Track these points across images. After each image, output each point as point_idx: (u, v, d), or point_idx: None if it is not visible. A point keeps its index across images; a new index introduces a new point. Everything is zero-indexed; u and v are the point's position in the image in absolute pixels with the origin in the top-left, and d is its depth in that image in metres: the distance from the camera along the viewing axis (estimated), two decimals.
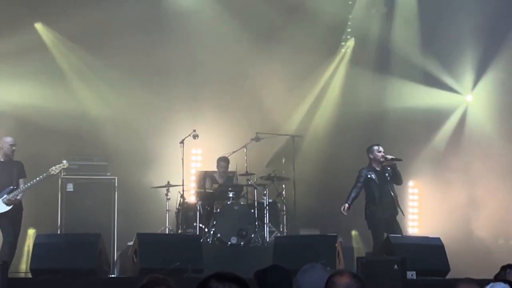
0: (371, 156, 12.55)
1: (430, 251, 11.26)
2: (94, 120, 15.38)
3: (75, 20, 14.99)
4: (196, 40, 15.75)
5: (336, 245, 11.49)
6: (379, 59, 16.49)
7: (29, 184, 12.03)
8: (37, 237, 11.27)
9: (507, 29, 15.72)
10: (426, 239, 12.09)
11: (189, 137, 13.90)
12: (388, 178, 12.43)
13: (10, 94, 14.88)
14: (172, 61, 15.65)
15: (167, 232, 13.67)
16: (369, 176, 12.40)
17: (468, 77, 16.40)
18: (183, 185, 13.77)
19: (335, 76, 16.80)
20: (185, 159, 14.00)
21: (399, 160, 12.54)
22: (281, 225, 14.23)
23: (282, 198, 14.48)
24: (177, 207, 13.90)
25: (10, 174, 12.13)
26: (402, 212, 12.59)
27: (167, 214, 13.89)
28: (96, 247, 10.86)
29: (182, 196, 13.85)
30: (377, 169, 12.49)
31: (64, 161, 12.54)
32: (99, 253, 10.87)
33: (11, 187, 11.98)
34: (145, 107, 15.65)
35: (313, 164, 15.65)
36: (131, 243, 11.83)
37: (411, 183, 16.50)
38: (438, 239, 11.55)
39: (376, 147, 12.55)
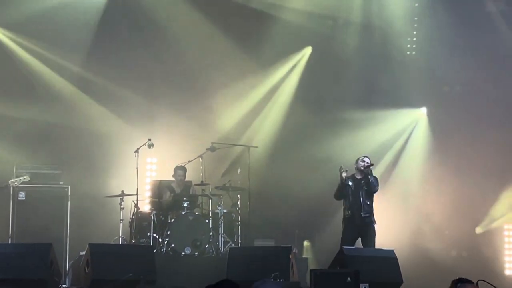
0: (355, 166, 12.92)
1: (383, 263, 11.29)
2: (47, 127, 15.16)
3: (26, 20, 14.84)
4: (153, 48, 15.66)
5: (290, 256, 11.47)
6: (332, 68, 16.49)
7: None
8: None
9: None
10: (380, 251, 12.13)
11: (144, 146, 13.79)
12: (364, 187, 12.74)
13: None
14: (128, 69, 15.53)
15: (120, 242, 13.52)
16: (347, 182, 12.70)
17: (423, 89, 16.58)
18: (137, 194, 13.64)
19: (289, 85, 16.76)
20: (140, 168, 13.88)
21: (371, 165, 12.81)
22: (235, 236, 14.19)
23: (237, 209, 14.45)
24: (131, 216, 13.77)
25: None
26: (373, 221, 12.70)
27: (121, 224, 13.75)
28: (47, 257, 10.70)
29: (136, 205, 13.73)
30: (357, 177, 12.81)
31: (26, 176, 12.42)
32: (50, 263, 10.71)
33: None
34: (100, 116, 15.49)
35: (268, 175, 15.63)
36: (83, 253, 11.68)
37: None
38: (392, 251, 11.58)
39: (361, 157, 12.93)
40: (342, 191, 12.72)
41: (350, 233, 12.63)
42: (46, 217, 13.75)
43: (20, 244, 12.47)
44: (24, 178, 12.58)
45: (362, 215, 12.63)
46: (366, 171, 12.75)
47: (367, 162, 12.82)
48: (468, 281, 7.14)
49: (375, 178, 12.89)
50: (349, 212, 12.70)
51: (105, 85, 15.54)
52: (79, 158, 14.96)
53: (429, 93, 16.48)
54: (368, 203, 12.73)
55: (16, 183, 12.62)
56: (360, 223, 12.64)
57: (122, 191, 13.82)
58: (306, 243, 15.60)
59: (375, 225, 12.70)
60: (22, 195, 13.74)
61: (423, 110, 16.87)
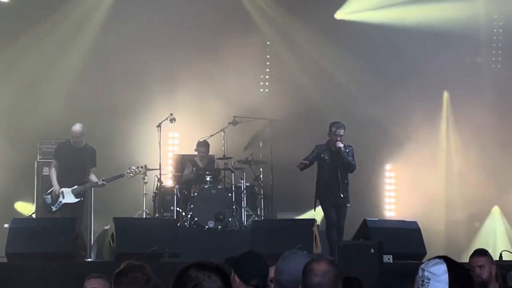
0: (329, 134, 12.10)
1: (407, 235, 11.32)
2: (71, 103, 15.19)
3: None
4: (172, 22, 15.61)
5: (313, 229, 11.50)
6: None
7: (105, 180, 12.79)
8: (13, 221, 11.22)
9: None
10: (403, 222, 12.15)
11: (166, 120, 13.83)
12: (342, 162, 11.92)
13: None
14: (149, 45, 15.51)
15: (144, 216, 13.62)
16: (322, 155, 12.01)
17: None
18: (160, 169, 13.70)
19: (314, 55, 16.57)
20: (162, 143, 13.94)
21: (340, 150, 11.85)
22: (258, 209, 14.23)
23: (260, 182, 14.47)
24: (154, 191, 13.85)
25: (82, 162, 12.73)
26: (347, 200, 12.04)
27: (144, 198, 13.84)
28: (72, 231, 10.83)
29: (159, 180, 13.79)
30: (332, 149, 11.97)
31: (142, 167, 13.23)
32: (75, 237, 10.84)
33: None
34: (122, 91, 15.46)
35: (290, 148, 15.55)
36: (108, 227, 11.79)
37: (388, 166, 16.54)
38: (415, 222, 11.60)
39: (334, 129, 11.92)
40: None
41: (323, 207, 11.95)
42: None
43: (45, 218, 12.58)
44: (140, 171, 13.17)
45: (335, 193, 11.85)
46: (340, 152, 11.74)
47: (341, 136, 11.73)
48: (483, 251, 7.19)
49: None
50: (320, 188, 11.92)
51: (128, 61, 15.52)
52: (102, 133, 14.96)
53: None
54: (340, 179, 11.88)
55: (131, 174, 13.24)
56: (331, 200, 11.91)
57: (145, 166, 13.88)
58: None
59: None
60: (46, 170, 13.81)
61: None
